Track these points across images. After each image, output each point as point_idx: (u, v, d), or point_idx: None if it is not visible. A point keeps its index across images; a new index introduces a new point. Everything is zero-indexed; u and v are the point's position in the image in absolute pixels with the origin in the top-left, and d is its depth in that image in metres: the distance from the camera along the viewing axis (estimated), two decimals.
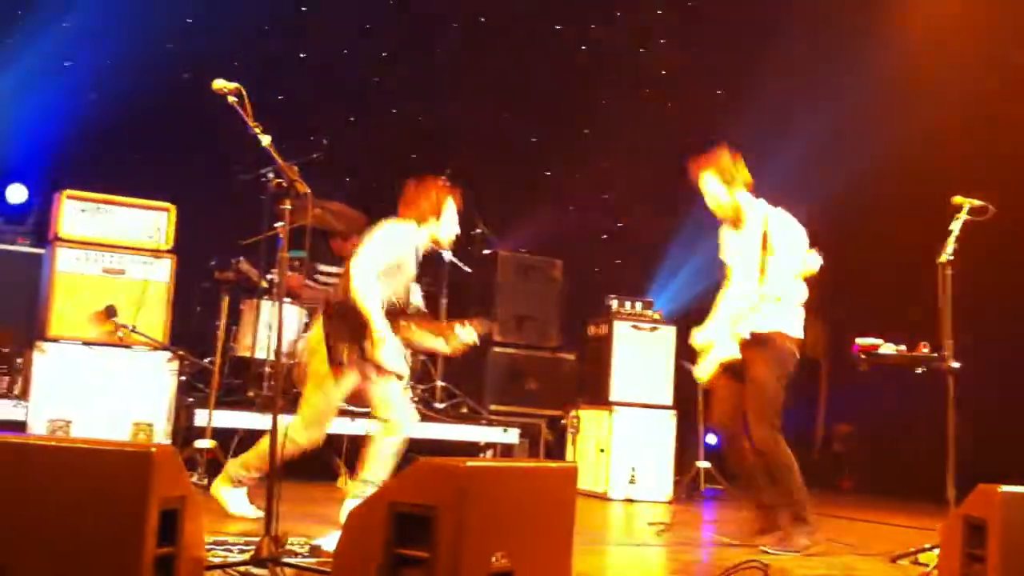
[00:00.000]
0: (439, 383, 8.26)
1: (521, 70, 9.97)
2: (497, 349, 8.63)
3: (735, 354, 5.56)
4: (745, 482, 5.84)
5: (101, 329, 6.20)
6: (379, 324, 5.13)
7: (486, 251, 8.92)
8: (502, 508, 3.38)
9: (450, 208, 5.45)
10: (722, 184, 5.62)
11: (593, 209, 10.26)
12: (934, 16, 8.77)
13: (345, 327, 5.19)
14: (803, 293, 5.62)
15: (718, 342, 5.64)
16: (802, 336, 5.63)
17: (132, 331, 6.22)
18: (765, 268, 5.51)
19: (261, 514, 4.50)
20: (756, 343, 5.52)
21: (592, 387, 8.32)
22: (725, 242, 5.83)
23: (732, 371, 5.62)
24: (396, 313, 5.31)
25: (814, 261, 5.56)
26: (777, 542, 5.47)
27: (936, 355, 5.43)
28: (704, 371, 5.74)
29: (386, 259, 5.24)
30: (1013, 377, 8.37)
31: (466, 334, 5.36)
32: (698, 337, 5.78)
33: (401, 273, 5.33)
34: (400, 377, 5.38)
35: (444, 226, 5.43)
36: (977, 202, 5.40)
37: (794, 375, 5.63)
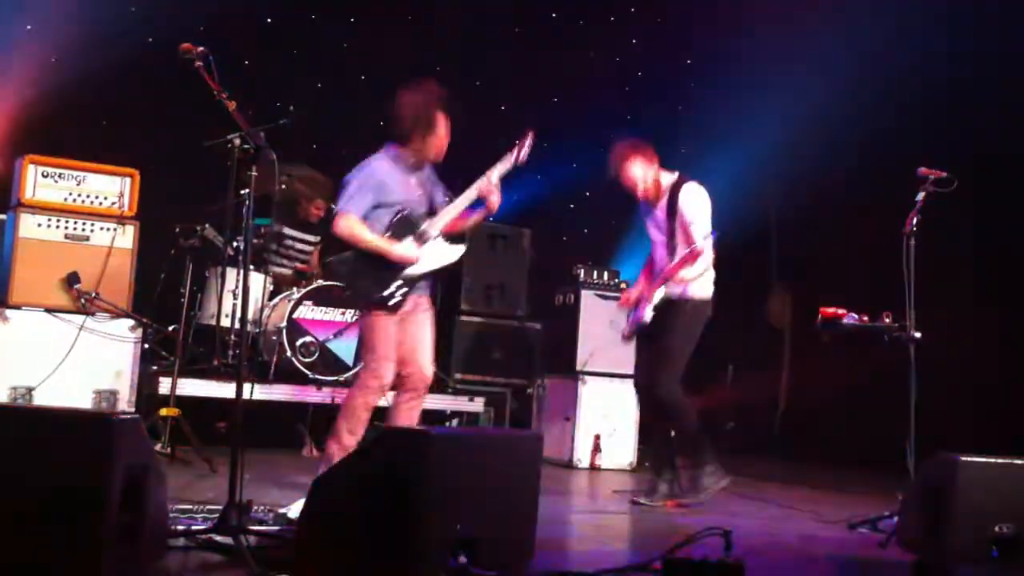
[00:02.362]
0: None
1: (489, 38, 9.91)
2: (464, 318, 8.61)
3: (649, 318, 5.86)
4: (654, 444, 6.29)
5: (64, 296, 6.14)
6: (382, 241, 5.19)
7: None
8: (468, 476, 3.40)
9: (440, 121, 5.29)
10: (647, 167, 5.98)
11: (560, 178, 10.23)
12: None
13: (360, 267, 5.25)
14: (710, 256, 5.85)
15: (639, 306, 5.94)
16: (710, 296, 5.97)
17: (95, 298, 6.16)
18: (676, 235, 5.86)
19: None
20: (668, 308, 5.85)
21: (558, 356, 8.33)
22: (645, 217, 6.14)
23: (647, 333, 5.95)
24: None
25: (708, 240, 5.74)
26: (687, 488, 5.91)
27: (898, 325, 5.48)
28: (628, 332, 6.09)
29: (363, 203, 5.22)
30: (979, 348, 8.45)
31: (493, 178, 5.30)
32: (623, 298, 6.19)
33: (390, 202, 5.26)
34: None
35: (431, 142, 5.28)
36: (942, 174, 5.44)
37: (704, 335, 5.99)
